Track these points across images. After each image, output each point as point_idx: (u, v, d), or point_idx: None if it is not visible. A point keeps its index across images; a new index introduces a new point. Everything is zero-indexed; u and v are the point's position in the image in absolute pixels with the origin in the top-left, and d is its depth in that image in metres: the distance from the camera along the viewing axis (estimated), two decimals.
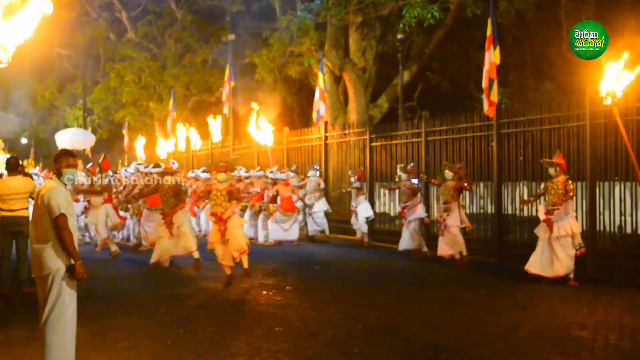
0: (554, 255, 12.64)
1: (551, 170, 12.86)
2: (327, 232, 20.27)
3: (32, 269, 7.01)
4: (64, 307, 6.92)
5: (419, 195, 16.72)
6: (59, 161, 7.11)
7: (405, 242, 16.52)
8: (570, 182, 12.68)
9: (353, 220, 19.07)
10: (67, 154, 7.27)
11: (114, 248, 16.58)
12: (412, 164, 17.17)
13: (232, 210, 12.81)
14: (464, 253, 14.98)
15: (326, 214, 20.08)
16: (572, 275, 12.58)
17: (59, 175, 7.08)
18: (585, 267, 13.55)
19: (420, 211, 16.52)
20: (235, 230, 12.72)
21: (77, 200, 17.67)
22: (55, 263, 6.86)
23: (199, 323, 9.58)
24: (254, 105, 22.51)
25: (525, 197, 15.15)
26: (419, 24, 21.88)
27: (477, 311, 10.53)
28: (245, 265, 12.95)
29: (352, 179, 19.00)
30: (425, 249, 16.46)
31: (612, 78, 11.55)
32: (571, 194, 12.65)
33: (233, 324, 9.45)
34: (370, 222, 18.96)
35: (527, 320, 9.82)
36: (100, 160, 19.22)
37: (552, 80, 25.43)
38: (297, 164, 21.98)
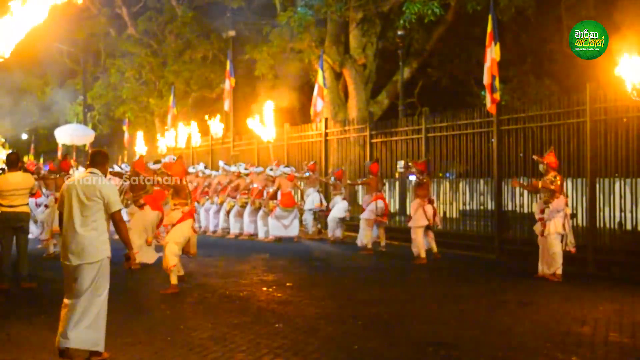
0: (542, 254, 12.72)
1: (541, 167, 12.88)
2: (309, 231, 20.14)
3: (78, 256, 7.44)
4: (106, 289, 7.67)
5: (374, 192, 16.81)
6: (106, 162, 7.92)
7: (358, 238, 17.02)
8: (554, 178, 12.63)
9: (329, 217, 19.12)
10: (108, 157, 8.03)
11: (51, 250, 15.93)
12: (368, 162, 17.50)
13: (170, 221, 11.83)
14: (422, 255, 14.95)
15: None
16: (558, 272, 12.55)
17: (105, 174, 7.79)
18: (586, 264, 13.57)
19: (368, 209, 16.72)
20: (167, 245, 11.63)
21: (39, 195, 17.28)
22: (107, 250, 7.58)
23: (199, 319, 9.58)
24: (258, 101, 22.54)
25: (526, 195, 15.20)
26: (420, 20, 21.90)
27: (477, 307, 10.54)
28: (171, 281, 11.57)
29: (332, 179, 19.17)
30: (369, 245, 16.68)
31: (636, 71, 11.53)
32: (556, 186, 12.57)
33: (233, 320, 9.45)
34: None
35: (527, 316, 9.82)
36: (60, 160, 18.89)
37: (553, 76, 25.45)
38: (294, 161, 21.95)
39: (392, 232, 17.73)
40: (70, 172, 17.75)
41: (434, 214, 15.21)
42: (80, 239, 7.46)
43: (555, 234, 12.52)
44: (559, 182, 12.58)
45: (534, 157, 13.47)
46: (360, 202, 20.69)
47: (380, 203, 16.73)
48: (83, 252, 7.45)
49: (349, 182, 18.94)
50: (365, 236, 16.74)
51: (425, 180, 15.22)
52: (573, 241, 12.59)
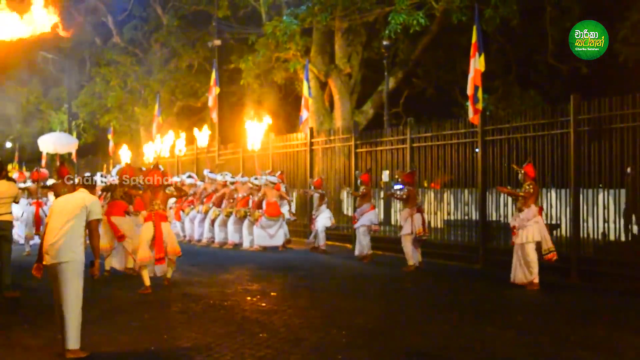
0: (517, 262, 12.82)
1: (520, 176, 13.11)
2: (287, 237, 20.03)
3: (52, 257, 8.04)
4: (79, 289, 8.12)
5: (370, 201, 16.95)
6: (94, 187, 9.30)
7: (358, 247, 17.01)
8: (529, 186, 12.79)
9: (313, 227, 19.08)
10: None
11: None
12: (358, 172, 17.57)
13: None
14: (409, 263, 15.19)
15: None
16: (536, 280, 12.68)
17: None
18: (569, 274, 13.62)
19: (366, 218, 16.75)
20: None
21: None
22: (79, 254, 8.14)
23: (183, 329, 9.55)
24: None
25: (510, 205, 15.23)
26: (405, 30, 21.95)
27: (461, 317, 10.54)
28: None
29: (312, 187, 19.21)
30: (370, 252, 16.78)
31: None
32: (525, 195, 12.78)
33: (217, 330, 9.43)
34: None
35: (511, 326, 9.83)
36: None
37: (537, 87, 25.59)
38: (282, 170, 21.84)
39: (376, 242, 17.68)
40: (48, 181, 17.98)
41: (423, 223, 15.34)
42: (58, 241, 8.07)
43: (530, 243, 12.66)
44: (531, 191, 12.74)
45: (513, 166, 13.70)
46: (345, 212, 20.73)
47: (374, 213, 16.85)
48: (57, 252, 8.04)
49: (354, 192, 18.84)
50: (366, 245, 16.80)
51: (406, 194, 15.34)
52: (551, 247, 12.67)
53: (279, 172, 20.09)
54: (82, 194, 8.45)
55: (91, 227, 8.30)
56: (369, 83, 27.19)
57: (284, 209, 19.43)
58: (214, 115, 26.97)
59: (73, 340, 7.95)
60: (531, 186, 12.79)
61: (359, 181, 17.36)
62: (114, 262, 14.46)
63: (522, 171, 12.99)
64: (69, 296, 7.99)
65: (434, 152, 17.42)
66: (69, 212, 8.21)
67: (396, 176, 16.51)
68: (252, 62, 26.63)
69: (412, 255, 15.24)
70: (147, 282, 12.35)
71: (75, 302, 8.02)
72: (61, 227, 8.11)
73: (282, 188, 19.49)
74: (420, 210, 15.47)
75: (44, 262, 8.17)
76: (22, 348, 8.48)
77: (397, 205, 19.24)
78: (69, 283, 8.02)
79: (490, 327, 9.81)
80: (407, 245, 15.25)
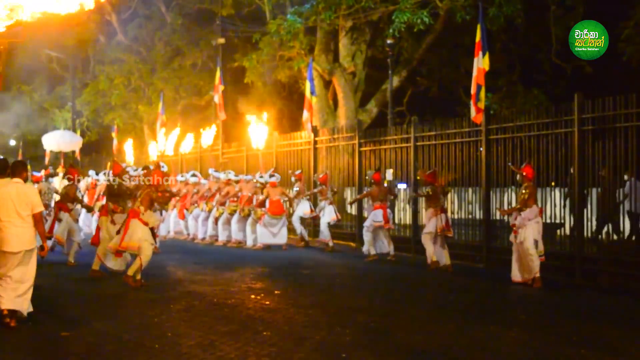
0: (519, 260, 12.87)
1: (518, 177, 13.30)
2: (302, 237, 20.10)
3: (20, 244, 9.19)
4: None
5: (376, 201, 16.88)
6: (25, 171, 9.74)
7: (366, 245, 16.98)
8: (526, 189, 12.89)
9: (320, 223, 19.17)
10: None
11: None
12: (370, 172, 17.64)
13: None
14: (428, 261, 15.25)
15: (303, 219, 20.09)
16: (537, 275, 12.75)
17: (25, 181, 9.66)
18: (573, 273, 13.61)
19: (371, 217, 16.70)
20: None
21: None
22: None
23: (187, 327, 9.56)
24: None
25: (513, 204, 15.21)
26: (409, 29, 21.92)
27: (465, 316, 10.55)
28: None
29: (317, 184, 19.29)
30: (372, 252, 16.69)
31: None
32: (525, 197, 12.87)
33: (220, 328, 9.43)
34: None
35: (514, 325, 9.84)
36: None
37: (541, 86, 25.54)
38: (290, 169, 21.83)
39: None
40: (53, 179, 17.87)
41: (447, 222, 15.28)
42: (25, 231, 9.33)
43: (530, 241, 12.71)
44: (526, 196, 12.90)
45: (512, 167, 13.75)
46: (349, 210, 20.76)
47: (379, 212, 16.74)
48: (27, 240, 9.30)
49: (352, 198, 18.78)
50: (366, 242, 16.78)
51: (431, 192, 15.31)
52: (542, 249, 12.78)
53: (322, 174, 19.92)
54: (24, 186, 9.45)
55: (36, 219, 9.38)
56: (372, 82, 27.15)
57: (304, 206, 19.55)
58: (222, 114, 26.91)
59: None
60: (527, 190, 12.88)
61: (370, 181, 17.31)
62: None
63: (522, 173, 13.05)
64: (33, 271, 9.39)
65: (438, 150, 17.41)
66: (24, 203, 9.27)
67: (418, 177, 16.54)
68: (256, 61, 26.63)
69: (436, 254, 15.22)
70: (96, 266, 13.45)
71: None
72: (25, 217, 9.24)
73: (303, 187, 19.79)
74: (443, 210, 15.36)
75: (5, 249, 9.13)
76: (23, 347, 8.49)
77: (400, 204, 19.25)
78: (34, 263, 9.40)
79: (494, 326, 9.81)
80: (428, 244, 15.26)
